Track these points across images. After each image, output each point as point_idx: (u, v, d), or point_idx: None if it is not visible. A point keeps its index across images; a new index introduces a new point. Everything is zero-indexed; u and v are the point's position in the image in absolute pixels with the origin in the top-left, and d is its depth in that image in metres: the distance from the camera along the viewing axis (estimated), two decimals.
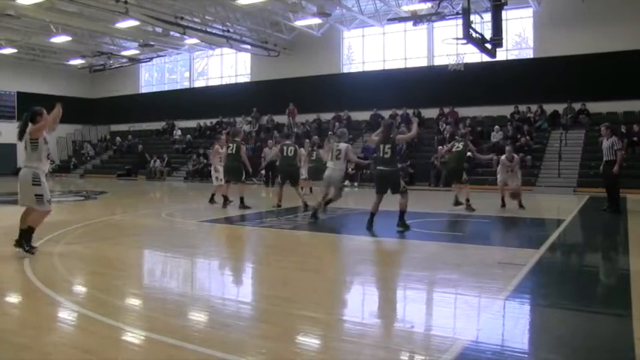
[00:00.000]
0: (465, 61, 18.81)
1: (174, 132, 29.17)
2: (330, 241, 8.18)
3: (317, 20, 22.29)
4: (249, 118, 26.52)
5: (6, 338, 3.54)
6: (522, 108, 20.68)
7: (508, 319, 4.23)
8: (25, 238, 6.01)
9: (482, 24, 14.87)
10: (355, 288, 5.37)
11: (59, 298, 4.44)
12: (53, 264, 5.78)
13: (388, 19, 21.23)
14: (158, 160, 25.56)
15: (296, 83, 25.02)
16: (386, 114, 22.93)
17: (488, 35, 14.06)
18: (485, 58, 17.33)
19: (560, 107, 20.11)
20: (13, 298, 4.73)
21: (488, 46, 14.15)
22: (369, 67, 24.64)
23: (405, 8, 20.65)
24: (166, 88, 31.65)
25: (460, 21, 14.06)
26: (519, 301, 4.65)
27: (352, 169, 18.28)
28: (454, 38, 15.33)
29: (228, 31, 22.85)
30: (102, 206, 13.51)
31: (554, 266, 6.31)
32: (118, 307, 4.35)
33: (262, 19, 23.01)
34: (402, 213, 7.93)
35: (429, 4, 17.90)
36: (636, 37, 18.18)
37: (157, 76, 32.65)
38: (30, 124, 5.97)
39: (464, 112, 21.81)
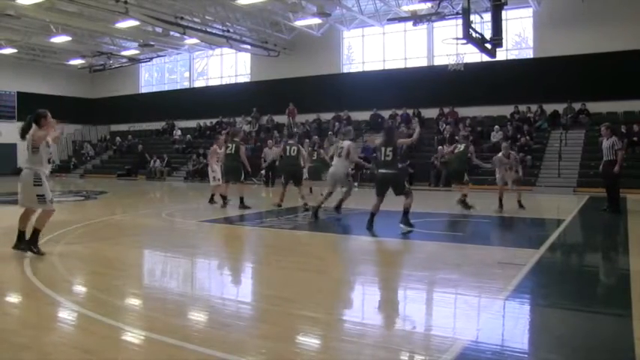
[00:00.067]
0: (465, 61, 18.80)
1: (174, 132, 29.16)
2: (330, 241, 8.18)
3: (317, 20, 22.29)
4: (249, 118, 26.52)
5: (6, 338, 3.54)
6: (522, 108, 20.68)
7: (508, 319, 4.23)
8: (32, 241, 6.02)
9: (482, 24, 14.87)
10: (355, 288, 5.37)
11: (59, 298, 4.44)
12: (53, 264, 5.78)
13: (388, 19, 21.23)
14: (158, 160, 25.55)
15: (296, 83, 25.02)
16: (386, 114, 23.02)
17: (488, 35, 14.06)
18: (486, 58, 17.34)
19: (560, 107, 20.11)
20: (13, 298, 4.73)
21: (488, 46, 14.16)
22: (369, 67, 24.64)
23: (405, 8, 20.65)
24: (166, 88, 31.65)
25: (460, 21, 14.06)
26: (519, 301, 4.65)
27: (352, 169, 18.26)
28: (454, 38, 15.33)
29: (228, 31, 22.85)
30: (102, 206, 13.51)
31: (554, 266, 6.31)
32: (118, 307, 4.35)
33: (262, 19, 23.01)
34: (406, 211, 7.93)
35: (428, 4, 17.89)
36: (636, 37, 18.18)
37: (157, 76, 32.65)
38: (34, 126, 5.96)
39: (464, 112, 21.81)
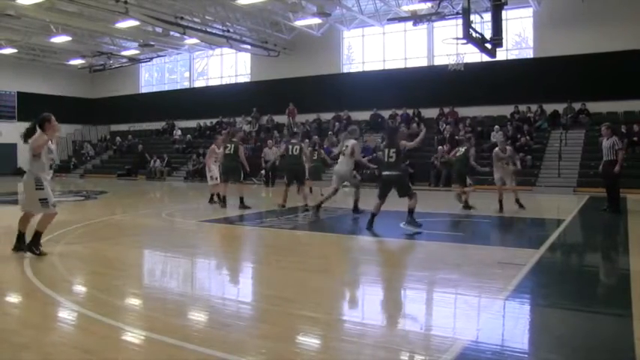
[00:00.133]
0: (465, 61, 18.80)
1: (174, 132, 29.17)
2: (330, 241, 8.18)
3: (317, 20, 22.29)
4: (249, 118, 26.52)
5: (6, 338, 3.54)
6: (522, 108, 20.68)
7: (508, 319, 4.23)
8: (34, 243, 6.01)
9: (482, 24, 14.86)
10: (355, 288, 5.37)
11: (59, 298, 4.44)
12: (53, 264, 5.78)
13: (388, 19, 21.23)
14: (158, 160, 25.56)
15: (296, 83, 25.02)
16: (386, 114, 23.02)
17: (488, 35, 14.05)
18: (485, 58, 17.33)
19: (560, 107, 20.11)
20: (13, 298, 4.73)
21: (489, 46, 14.15)
22: (369, 67, 24.63)
23: (405, 8, 20.64)
24: (166, 88, 31.65)
25: (460, 21, 14.06)
26: (519, 301, 4.65)
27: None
28: (454, 38, 15.32)
29: (228, 31, 22.85)
30: (102, 206, 13.51)
31: (554, 266, 6.31)
32: (118, 307, 4.35)
33: (262, 19, 23.01)
34: (411, 212, 7.93)
35: (429, 4, 17.89)
36: (636, 37, 18.18)
37: (157, 76, 32.65)
38: (38, 130, 5.95)
39: (464, 112, 21.81)
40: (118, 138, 30.64)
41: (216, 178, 12.26)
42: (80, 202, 14.52)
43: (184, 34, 21.62)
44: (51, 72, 29.92)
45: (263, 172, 20.55)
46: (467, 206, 11.08)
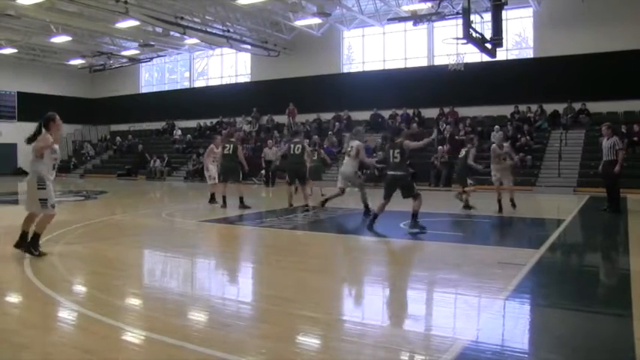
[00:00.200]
0: (465, 61, 18.80)
1: (174, 132, 29.16)
2: (330, 241, 8.18)
3: (317, 20, 22.28)
4: (249, 118, 26.52)
5: (6, 338, 3.55)
6: (522, 108, 20.66)
7: (508, 319, 4.23)
8: (32, 244, 6.01)
9: (482, 24, 14.86)
10: (355, 288, 5.37)
11: (59, 298, 4.44)
12: (53, 264, 5.78)
13: (388, 19, 21.22)
14: (158, 160, 25.55)
15: (296, 83, 25.02)
16: (386, 114, 23.01)
17: (488, 35, 14.05)
18: (485, 58, 17.32)
19: (560, 107, 20.10)
20: (13, 298, 4.74)
21: (489, 45, 14.14)
22: (369, 67, 24.62)
23: (405, 8, 20.64)
24: (166, 88, 31.64)
25: (460, 21, 14.06)
26: (519, 301, 4.65)
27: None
28: (454, 38, 15.33)
29: (228, 31, 22.85)
30: (102, 206, 13.51)
31: (554, 266, 6.31)
32: (118, 307, 4.36)
33: (262, 19, 23.01)
34: (415, 214, 7.90)
35: (429, 4, 17.89)
36: (636, 37, 18.18)
37: (157, 76, 32.65)
38: (43, 131, 5.93)
39: (464, 112, 21.80)
40: (118, 138, 30.64)
41: (214, 178, 12.28)
42: (80, 202, 14.51)
43: (184, 34, 21.62)
44: (51, 72, 29.92)
45: (263, 172, 20.54)
46: (467, 206, 11.10)
